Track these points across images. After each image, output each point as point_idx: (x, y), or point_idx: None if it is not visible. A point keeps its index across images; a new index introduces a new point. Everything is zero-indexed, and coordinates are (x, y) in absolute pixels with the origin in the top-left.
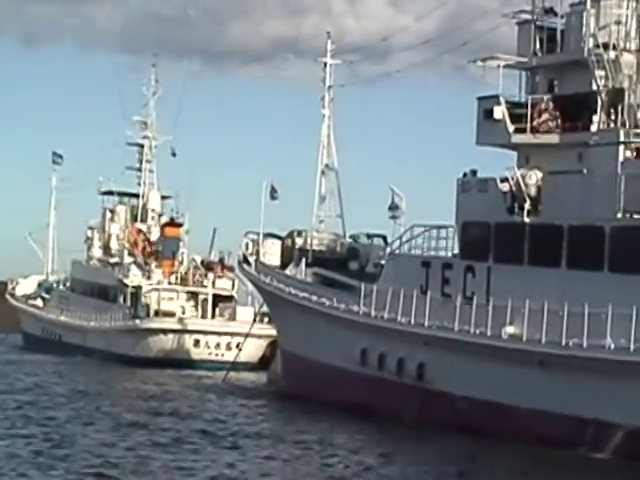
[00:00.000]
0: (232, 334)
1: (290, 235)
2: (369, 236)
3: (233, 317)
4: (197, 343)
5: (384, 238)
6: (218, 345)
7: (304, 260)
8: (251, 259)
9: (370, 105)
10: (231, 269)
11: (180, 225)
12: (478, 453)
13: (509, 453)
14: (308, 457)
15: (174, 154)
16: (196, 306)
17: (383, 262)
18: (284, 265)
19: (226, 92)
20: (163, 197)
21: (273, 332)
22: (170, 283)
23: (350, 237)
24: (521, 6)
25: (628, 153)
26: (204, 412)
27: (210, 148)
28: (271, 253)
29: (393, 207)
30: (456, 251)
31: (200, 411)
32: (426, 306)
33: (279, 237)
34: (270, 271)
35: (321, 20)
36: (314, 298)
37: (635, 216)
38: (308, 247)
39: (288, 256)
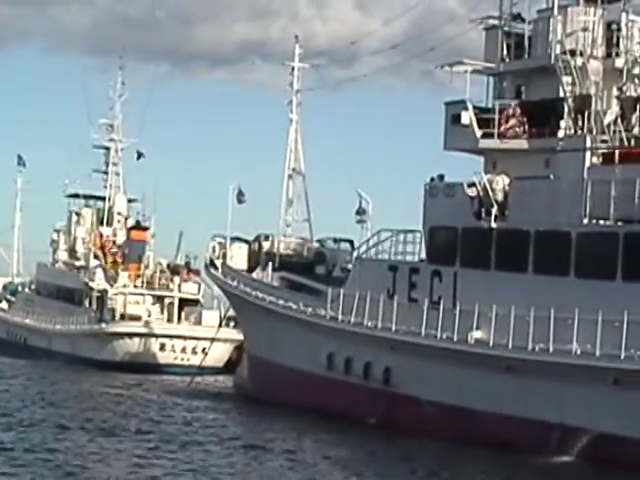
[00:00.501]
0: (198, 338)
1: (257, 239)
2: (336, 240)
3: (199, 321)
4: (163, 347)
5: (351, 243)
6: (184, 349)
7: (271, 264)
8: (218, 263)
9: (338, 109)
10: (197, 273)
11: (146, 228)
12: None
13: (475, 457)
14: (273, 461)
15: (140, 156)
16: (162, 310)
17: (350, 267)
18: (251, 269)
19: (193, 95)
20: (129, 200)
21: (239, 336)
22: (136, 286)
23: (317, 241)
24: (489, 12)
25: (595, 159)
26: (168, 416)
27: (177, 151)
28: (238, 257)
29: (360, 211)
30: (423, 256)
31: (164, 415)
32: (393, 310)
33: (246, 241)
34: (237, 275)
35: (289, 24)
36: (281, 302)
37: (601, 222)
38: (275, 251)
39: (255, 260)
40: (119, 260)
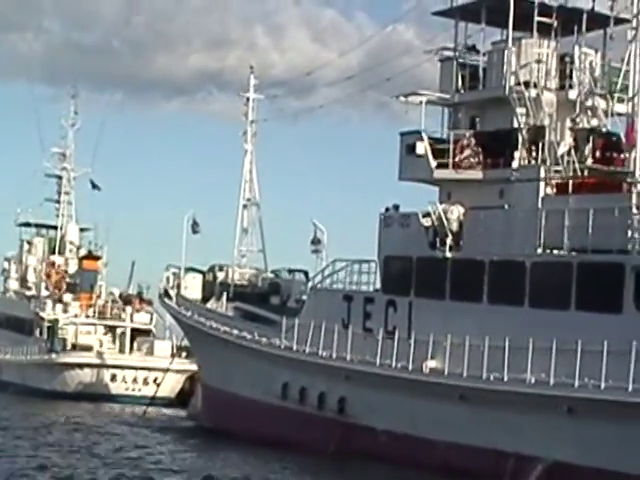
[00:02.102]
0: (149, 369)
1: (211, 269)
2: (290, 271)
3: (151, 351)
4: (114, 377)
5: (305, 273)
6: (135, 380)
7: (225, 294)
8: (172, 293)
9: (294, 140)
10: (149, 303)
11: (98, 258)
12: None
13: None
14: None
15: (94, 187)
16: (114, 340)
17: (304, 297)
18: (205, 299)
19: (148, 124)
20: (82, 229)
21: (191, 367)
22: (88, 316)
23: (272, 272)
24: (444, 43)
25: (549, 189)
26: (119, 448)
27: (131, 181)
28: (192, 287)
29: (315, 241)
30: (378, 285)
31: (116, 447)
32: (348, 340)
33: (200, 271)
34: (191, 305)
35: (245, 53)
36: (235, 332)
37: (555, 252)
38: (229, 281)
39: (209, 290)
40: (62, 287)
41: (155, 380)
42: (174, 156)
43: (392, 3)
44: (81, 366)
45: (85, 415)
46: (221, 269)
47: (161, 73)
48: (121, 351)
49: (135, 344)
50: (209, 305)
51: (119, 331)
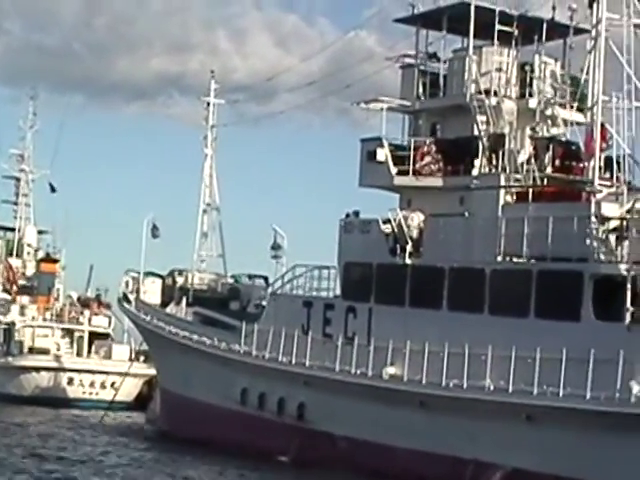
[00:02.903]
0: (107, 372)
1: (171, 274)
2: (250, 276)
3: (109, 355)
4: (71, 381)
5: (265, 279)
6: (92, 383)
7: (185, 299)
8: (131, 297)
9: (254, 145)
10: (108, 306)
11: (56, 261)
12: None
13: None
14: None
15: (53, 189)
16: (72, 343)
17: (264, 303)
18: (165, 304)
19: (109, 127)
20: (40, 232)
21: (149, 371)
22: (45, 319)
23: (231, 277)
24: (406, 50)
25: (508, 197)
26: (75, 453)
27: (90, 184)
28: (152, 291)
29: (275, 247)
30: (338, 292)
31: (71, 452)
32: (307, 346)
33: (160, 275)
34: (150, 310)
35: (207, 58)
36: (195, 337)
37: (515, 259)
38: (189, 286)
39: (169, 295)
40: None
41: (113, 384)
42: (134, 159)
43: (354, 9)
44: (38, 369)
45: (41, 419)
46: (180, 274)
47: (122, 76)
48: (79, 354)
49: (93, 348)
50: (168, 310)
51: (77, 334)
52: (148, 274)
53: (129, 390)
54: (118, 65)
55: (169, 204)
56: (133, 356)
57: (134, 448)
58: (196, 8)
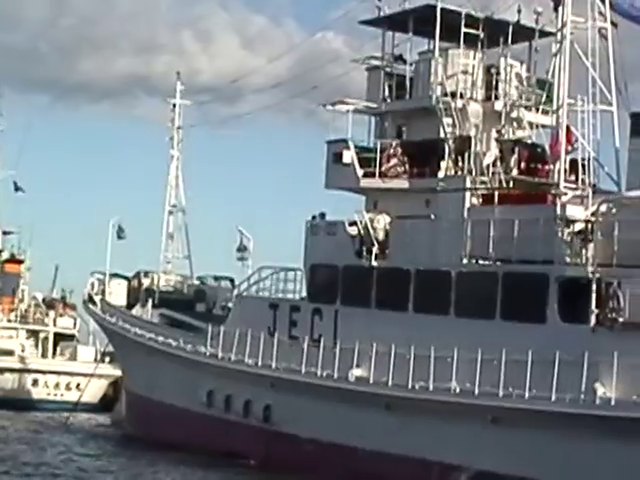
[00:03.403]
0: (72, 374)
1: (137, 275)
2: (216, 278)
3: (74, 356)
4: (36, 382)
5: (231, 280)
6: (57, 385)
7: (151, 301)
8: (97, 299)
9: (221, 146)
10: (73, 307)
11: (21, 261)
12: None
13: None
14: None
15: (17, 189)
16: (36, 344)
17: (230, 304)
18: (130, 306)
19: (75, 127)
20: (4, 232)
21: (115, 372)
22: (10, 321)
23: (197, 278)
24: (372, 52)
25: (474, 200)
26: (40, 456)
27: (56, 184)
28: (117, 293)
29: (241, 248)
30: (304, 294)
31: (35, 455)
32: (273, 348)
33: (125, 277)
34: (116, 311)
35: (174, 58)
36: (160, 339)
37: (480, 262)
38: (155, 288)
39: (134, 296)
40: None
41: (78, 385)
42: (100, 160)
43: (321, 11)
44: (2, 371)
45: (5, 423)
46: (146, 275)
47: (88, 76)
48: (44, 356)
49: (58, 349)
50: (134, 312)
51: (42, 336)
52: (114, 276)
53: (94, 392)
54: (84, 65)
55: (135, 205)
56: (98, 357)
57: (98, 451)
58: (162, 9)
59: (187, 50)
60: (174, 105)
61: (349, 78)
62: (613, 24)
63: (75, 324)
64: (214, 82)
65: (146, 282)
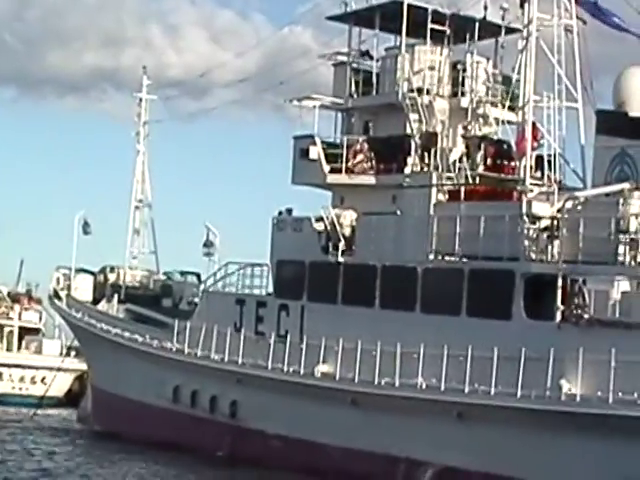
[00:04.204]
0: (37, 367)
1: (102, 270)
2: (183, 273)
3: (39, 350)
4: (0, 376)
5: (198, 276)
6: (22, 379)
7: (117, 296)
8: (62, 294)
9: (188, 141)
10: (39, 301)
11: None
12: None
13: None
14: None
15: None
16: (1, 338)
17: (196, 300)
18: (96, 301)
19: (41, 121)
20: None
21: (80, 366)
22: None
23: (164, 274)
24: (339, 47)
25: (440, 196)
26: (4, 451)
27: (21, 177)
28: (83, 288)
29: (208, 244)
30: (270, 289)
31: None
32: (240, 344)
33: (91, 272)
34: (82, 306)
35: (142, 53)
36: (126, 334)
37: (447, 258)
38: (121, 283)
39: (100, 292)
40: None
41: (43, 379)
42: (67, 154)
43: (289, 5)
44: None
45: None
46: (112, 270)
47: (54, 70)
48: (8, 349)
49: (23, 343)
50: (100, 307)
51: (7, 329)
52: (79, 271)
53: (60, 386)
54: (51, 58)
55: (101, 200)
56: (64, 351)
57: (63, 447)
58: (130, 2)
59: (155, 44)
60: (140, 100)
61: (317, 73)
62: (582, 21)
63: (40, 318)
64: (182, 76)
65: (112, 277)
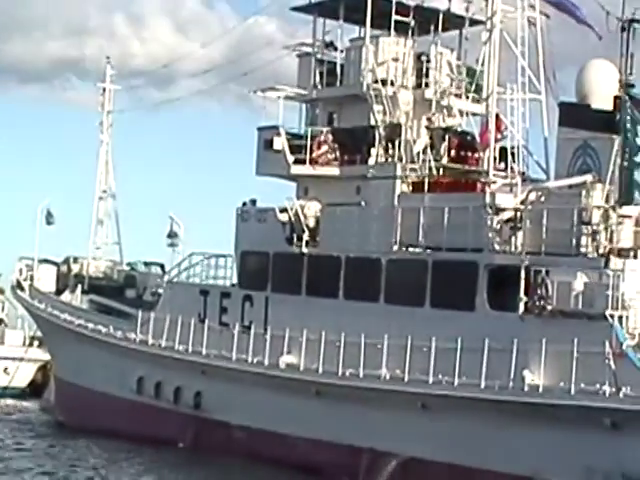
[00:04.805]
0: (0, 358)
1: (66, 261)
2: (147, 264)
3: (2, 341)
4: None
5: (162, 266)
6: None
7: (80, 287)
8: (25, 284)
9: (153, 131)
10: (1, 292)
11: None
12: None
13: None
14: None
15: None
16: None
17: (160, 291)
18: (59, 292)
19: (4, 110)
20: None
21: (44, 356)
22: None
23: (127, 264)
24: (304, 38)
25: (404, 187)
26: None
27: None
28: (46, 279)
29: (172, 235)
30: (235, 280)
31: None
32: (204, 335)
33: (55, 263)
34: (45, 297)
35: (106, 42)
36: (90, 325)
37: (410, 249)
38: (84, 274)
39: (64, 282)
40: None
41: (6, 369)
42: (30, 144)
43: None
44: None
45: None
46: (76, 261)
47: (17, 58)
48: None
49: None
50: (63, 297)
51: None
52: (42, 261)
53: (23, 376)
54: (13, 47)
55: (65, 190)
56: (27, 342)
57: (25, 438)
58: None
59: (119, 34)
60: (104, 90)
61: (282, 63)
62: (545, 15)
63: (3, 308)
64: (147, 66)
65: (75, 268)
